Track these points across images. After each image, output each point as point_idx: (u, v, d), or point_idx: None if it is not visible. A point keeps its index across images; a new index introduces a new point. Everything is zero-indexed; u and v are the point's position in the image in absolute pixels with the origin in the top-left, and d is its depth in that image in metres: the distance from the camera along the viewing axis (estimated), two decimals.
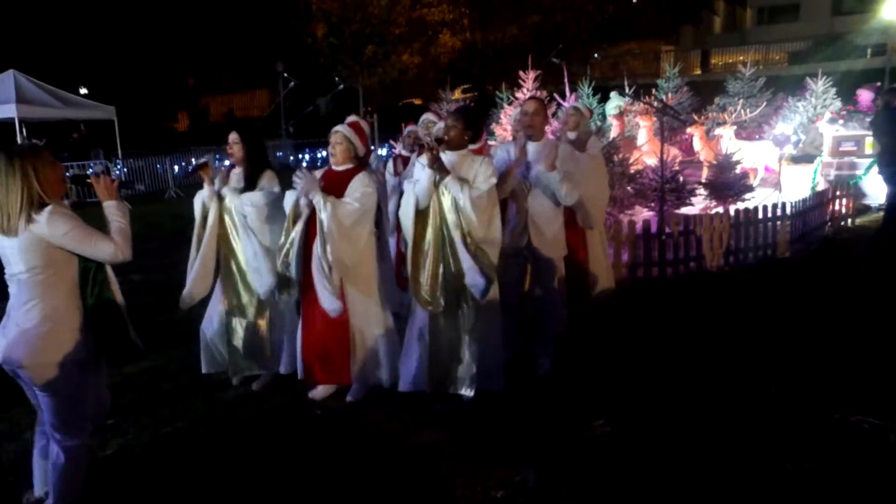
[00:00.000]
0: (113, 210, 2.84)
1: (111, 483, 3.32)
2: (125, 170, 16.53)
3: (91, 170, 15.28)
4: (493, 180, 3.83)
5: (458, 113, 4.01)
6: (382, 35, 27.05)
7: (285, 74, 23.78)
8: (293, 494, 3.18)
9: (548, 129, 5.72)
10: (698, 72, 28.59)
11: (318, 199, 3.78)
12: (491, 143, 6.19)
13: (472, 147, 5.12)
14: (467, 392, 3.97)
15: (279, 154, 22.68)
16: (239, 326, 4.32)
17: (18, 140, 14.27)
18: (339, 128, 4.05)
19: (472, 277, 3.78)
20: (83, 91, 25.04)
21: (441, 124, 4.88)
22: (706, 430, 3.57)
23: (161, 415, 4.06)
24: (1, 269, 2.78)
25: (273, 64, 25.99)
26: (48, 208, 2.62)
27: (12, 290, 2.75)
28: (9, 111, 13.86)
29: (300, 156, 23.20)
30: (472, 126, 4.00)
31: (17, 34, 26.09)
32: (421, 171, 3.86)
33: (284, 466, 3.43)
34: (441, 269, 3.88)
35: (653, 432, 3.58)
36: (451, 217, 3.82)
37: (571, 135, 5.31)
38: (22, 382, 2.83)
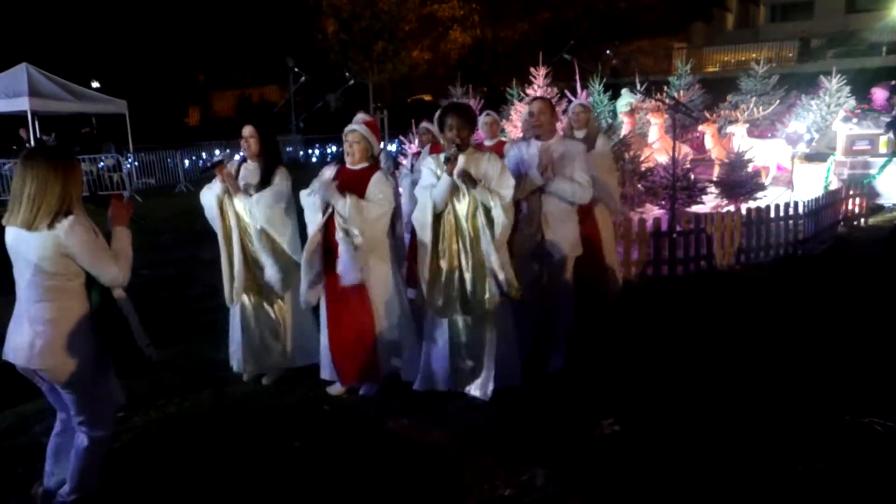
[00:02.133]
0: (122, 235, 2.91)
1: (120, 476, 3.32)
2: (136, 164, 16.59)
3: (102, 163, 15.36)
4: (512, 183, 3.82)
5: (458, 115, 3.84)
6: (392, 31, 27.08)
7: (296, 70, 23.82)
8: (300, 490, 3.18)
9: (559, 125, 5.71)
10: (711, 69, 28.38)
11: (339, 203, 3.79)
12: (503, 139, 6.17)
13: (488, 143, 5.11)
14: (485, 392, 3.98)
15: (289, 149, 22.73)
16: (254, 321, 4.34)
17: (30, 133, 14.34)
18: (355, 127, 3.99)
19: (495, 282, 3.81)
20: (95, 85, 25.15)
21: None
22: (717, 431, 3.53)
23: (169, 409, 4.07)
24: (6, 266, 2.79)
25: (283, 60, 26.06)
26: (71, 217, 2.66)
27: (22, 290, 2.76)
28: (21, 104, 13.93)
29: (310, 151, 23.25)
30: (474, 122, 3.99)
31: (30, 28, 26.25)
32: (430, 175, 3.87)
33: (291, 461, 3.43)
34: (456, 275, 3.88)
35: (663, 432, 3.55)
36: (468, 223, 3.82)
37: (580, 133, 5.30)
38: (41, 383, 2.86)
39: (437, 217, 3.85)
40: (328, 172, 4.06)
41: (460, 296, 3.89)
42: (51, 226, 2.63)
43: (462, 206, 3.82)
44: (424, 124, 6.03)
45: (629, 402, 3.91)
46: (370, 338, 4.05)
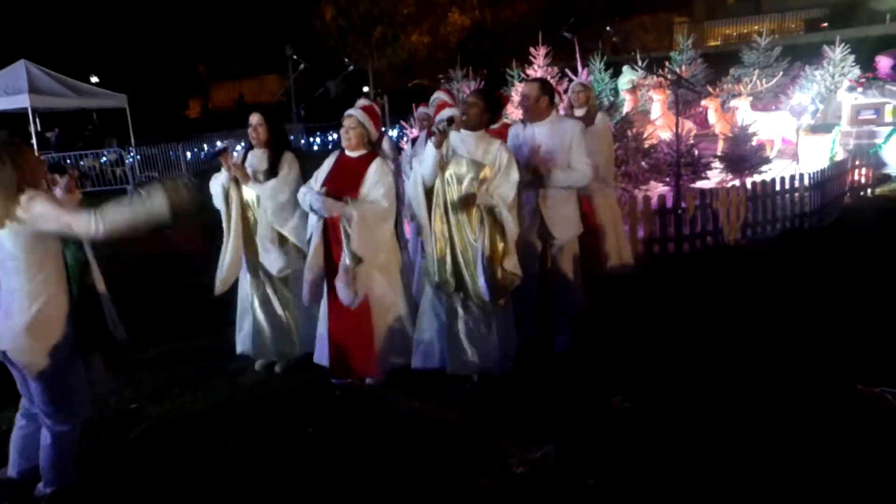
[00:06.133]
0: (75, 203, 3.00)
1: (135, 466, 3.37)
2: (138, 157, 16.59)
3: (104, 158, 15.36)
4: (516, 178, 3.79)
5: (479, 93, 3.95)
6: (391, 16, 26.90)
7: (295, 57, 23.72)
8: (313, 475, 3.21)
9: (562, 106, 5.69)
10: (713, 43, 28.08)
11: (345, 213, 3.81)
12: (506, 121, 6.13)
13: (493, 127, 5.06)
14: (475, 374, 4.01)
15: (291, 137, 22.70)
16: (263, 311, 4.35)
17: (32, 130, 14.36)
18: (352, 112, 3.98)
19: (482, 281, 3.79)
20: (94, 79, 25.10)
21: (446, 113, 4.89)
22: (728, 405, 3.54)
23: (183, 399, 4.11)
24: None
25: (282, 48, 25.90)
26: (25, 194, 2.67)
27: (2, 280, 2.79)
28: (21, 101, 13.90)
29: (311, 139, 23.20)
30: (492, 108, 3.95)
31: (28, 24, 26.19)
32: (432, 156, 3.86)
33: (304, 448, 3.46)
34: (449, 257, 3.87)
35: (673, 408, 3.56)
36: (461, 215, 3.81)
37: (580, 111, 5.32)
38: (12, 367, 2.89)
39: (431, 196, 3.87)
40: (331, 159, 4.07)
41: (455, 277, 3.89)
42: (12, 209, 2.64)
43: (452, 190, 3.82)
44: (423, 109, 5.97)
45: (639, 378, 3.92)
46: (368, 336, 4.04)
